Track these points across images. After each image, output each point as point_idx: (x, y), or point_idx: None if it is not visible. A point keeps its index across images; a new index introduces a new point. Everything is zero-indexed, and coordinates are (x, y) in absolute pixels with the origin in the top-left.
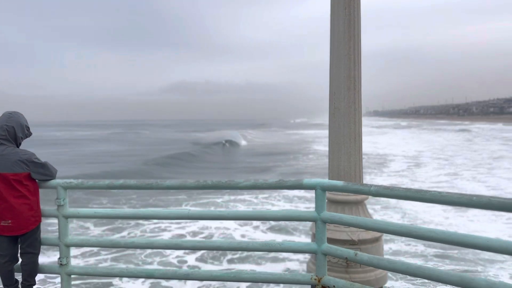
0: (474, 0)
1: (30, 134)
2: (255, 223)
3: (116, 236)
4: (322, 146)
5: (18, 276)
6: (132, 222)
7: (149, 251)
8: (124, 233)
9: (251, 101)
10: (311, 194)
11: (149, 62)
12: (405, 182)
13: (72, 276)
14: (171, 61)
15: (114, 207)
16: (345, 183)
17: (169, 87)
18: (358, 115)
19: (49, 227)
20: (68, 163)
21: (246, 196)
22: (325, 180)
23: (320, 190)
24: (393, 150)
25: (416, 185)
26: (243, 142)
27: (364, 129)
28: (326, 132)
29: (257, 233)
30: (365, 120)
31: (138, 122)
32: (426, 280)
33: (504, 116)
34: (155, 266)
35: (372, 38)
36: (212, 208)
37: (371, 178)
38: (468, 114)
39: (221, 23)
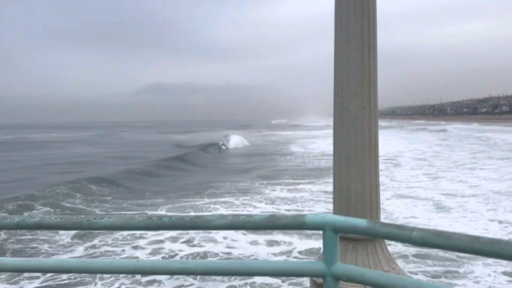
0: (449, 3)
1: None
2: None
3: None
4: (299, 147)
5: None
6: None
7: None
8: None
9: (230, 102)
10: (304, 193)
11: (126, 63)
12: (385, 182)
13: None
14: (148, 62)
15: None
16: (370, 222)
17: (147, 88)
18: (374, 119)
19: None
20: (45, 167)
21: (228, 198)
22: (339, 217)
23: (331, 231)
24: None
25: (394, 185)
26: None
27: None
28: (304, 133)
29: (247, 237)
30: None
31: (115, 123)
32: None
33: (477, 116)
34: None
35: None
36: (192, 213)
37: None
38: (443, 115)
39: (199, 24)
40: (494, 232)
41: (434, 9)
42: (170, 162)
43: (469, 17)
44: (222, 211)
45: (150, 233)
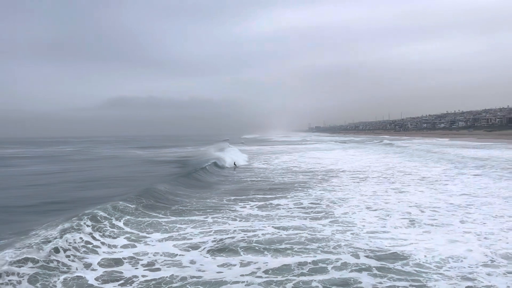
0: (410, 23)
1: None
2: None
3: None
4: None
5: None
6: None
7: None
8: None
9: (196, 117)
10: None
11: (88, 77)
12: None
13: None
14: (111, 75)
15: None
16: None
17: (109, 102)
18: None
19: None
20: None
21: (196, 216)
22: None
23: None
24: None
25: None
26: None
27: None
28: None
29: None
30: (313, 135)
31: (75, 138)
32: None
33: (436, 131)
34: None
35: (314, 57)
36: (153, 234)
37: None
38: (404, 130)
39: (164, 38)
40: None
41: (395, 29)
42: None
43: (427, 38)
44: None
45: (103, 248)
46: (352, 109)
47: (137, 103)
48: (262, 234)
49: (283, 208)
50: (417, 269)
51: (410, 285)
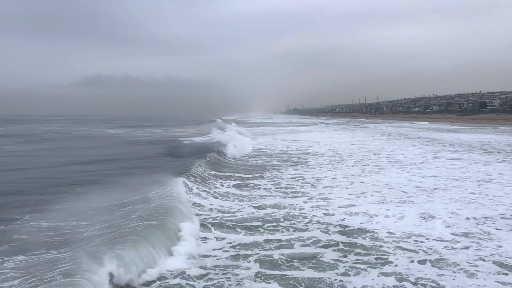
0: (389, 7)
1: None
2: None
3: None
4: None
5: None
6: None
7: None
8: None
9: (173, 97)
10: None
11: (63, 53)
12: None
13: None
14: (86, 52)
15: None
16: None
17: (84, 80)
18: None
19: None
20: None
21: None
22: None
23: None
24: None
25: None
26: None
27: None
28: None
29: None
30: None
31: (49, 117)
32: None
33: (411, 115)
34: None
35: (292, 39)
36: None
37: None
38: (380, 113)
39: (142, 16)
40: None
41: (373, 13)
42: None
43: (403, 22)
44: None
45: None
46: (329, 92)
47: (113, 82)
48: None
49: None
50: (379, 243)
51: (375, 259)
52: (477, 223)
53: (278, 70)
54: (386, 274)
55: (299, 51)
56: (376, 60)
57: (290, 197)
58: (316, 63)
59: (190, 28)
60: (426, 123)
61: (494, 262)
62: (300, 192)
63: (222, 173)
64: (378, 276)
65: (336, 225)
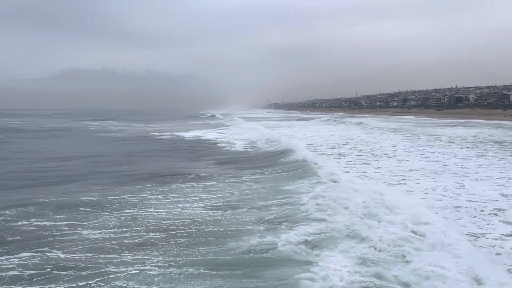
0: (367, 2)
1: None
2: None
3: None
4: None
5: None
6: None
7: None
8: None
9: (152, 91)
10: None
11: (35, 46)
12: None
13: None
14: (62, 45)
15: None
16: None
17: (62, 73)
18: None
19: None
20: None
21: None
22: None
23: None
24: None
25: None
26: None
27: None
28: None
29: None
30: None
31: (24, 111)
32: None
33: (389, 109)
34: None
35: (274, 33)
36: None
37: None
38: (359, 107)
39: (118, 6)
40: None
41: (351, 8)
42: None
43: (382, 17)
44: None
45: None
46: (309, 86)
47: (90, 75)
48: None
49: None
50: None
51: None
52: None
53: (259, 65)
54: None
55: (280, 46)
56: (355, 55)
57: None
58: (297, 58)
59: (171, 21)
60: (411, 117)
61: None
62: None
63: None
64: None
65: None
